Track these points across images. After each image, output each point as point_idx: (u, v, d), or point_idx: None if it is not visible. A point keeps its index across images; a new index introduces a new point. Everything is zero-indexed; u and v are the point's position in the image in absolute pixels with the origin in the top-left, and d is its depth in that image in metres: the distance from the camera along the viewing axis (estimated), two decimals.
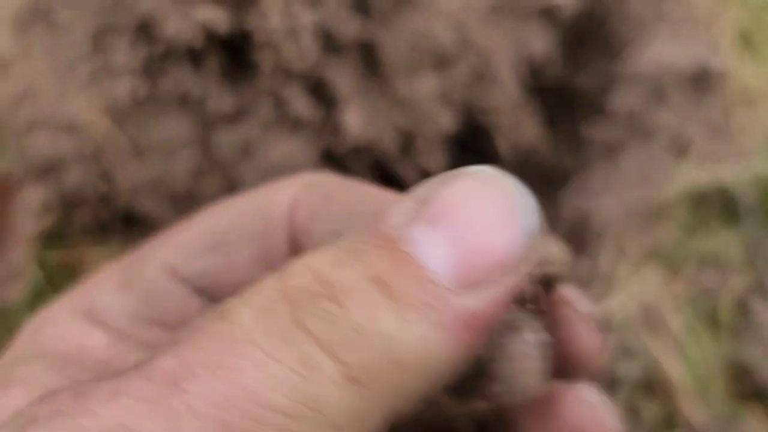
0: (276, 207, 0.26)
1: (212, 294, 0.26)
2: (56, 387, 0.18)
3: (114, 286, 0.26)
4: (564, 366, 0.24)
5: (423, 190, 0.20)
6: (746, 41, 0.96)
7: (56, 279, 0.85)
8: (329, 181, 0.27)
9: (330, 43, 0.80)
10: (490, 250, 0.17)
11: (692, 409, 0.82)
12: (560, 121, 1.04)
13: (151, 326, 0.25)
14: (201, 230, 0.27)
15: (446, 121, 0.91)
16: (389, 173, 0.91)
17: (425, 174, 0.93)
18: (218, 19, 0.74)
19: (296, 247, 0.26)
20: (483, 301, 0.17)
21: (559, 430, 0.23)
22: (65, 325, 0.25)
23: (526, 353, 0.20)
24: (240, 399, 0.15)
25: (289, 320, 0.16)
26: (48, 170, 0.77)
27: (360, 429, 0.16)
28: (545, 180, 1.08)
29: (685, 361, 0.85)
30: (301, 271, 0.18)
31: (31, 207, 0.83)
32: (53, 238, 0.84)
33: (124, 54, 0.77)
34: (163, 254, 0.26)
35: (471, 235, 0.18)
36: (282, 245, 0.26)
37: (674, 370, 0.84)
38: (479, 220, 0.18)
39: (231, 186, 0.85)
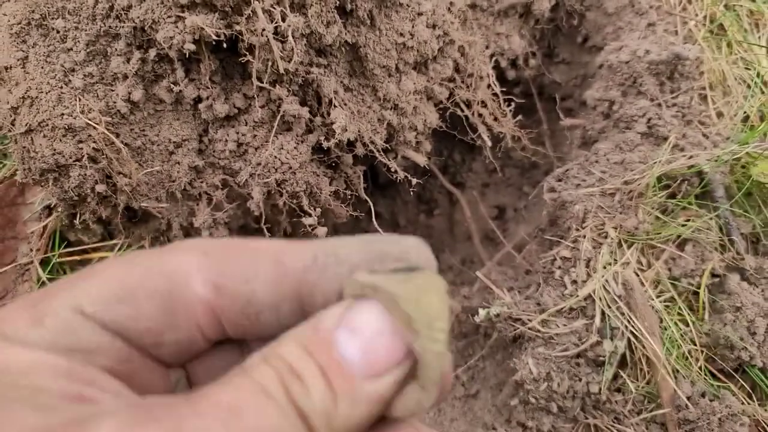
0: (178, 269, 0.33)
1: (121, 334, 0.32)
2: None
3: (26, 322, 0.31)
4: None
5: (342, 306, 0.31)
6: (720, 29, 0.99)
7: (61, 277, 0.88)
8: (218, 246, 0.34)
9: (315, 45, 0.83)
10: (384, 354, 0.30)
11: (675, 386, 0.86)
12: (536, 114, 1.08)
13: (67, 354, 0.31)
14: (109, 282, 0.32)
15: (430, 115, 0.94)
16: (377, 166, 0.94)
17: (411, 166, 0.96)
18: (209, 24, 0.77)
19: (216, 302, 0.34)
20: (381, 385, 0.30)
21: None
22: None
23: None
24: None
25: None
26: (48, 173, 0.80)
27: None
28: (528, 169, 1.12)
29: (667, 340, 0.88)
30: (278, 362, 0.30)
31: (35, 209, 0.86)
32: (58, 237, 0.87)
33: (120, 59, 0.80)
34: (72, 298, 0.32)
35: (373, 344, 0.30)
36: (191, 302, 0.33)
37: (656, 349, 0.87)
38: (379, 337, 0.30)
39: (227, 182, 0.88)
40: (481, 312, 0.93)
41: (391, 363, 0.30)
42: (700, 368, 0.88)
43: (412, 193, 0.97)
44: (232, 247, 0.34)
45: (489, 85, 0.97)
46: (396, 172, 0.93)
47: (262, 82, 0.82)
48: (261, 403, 0.28)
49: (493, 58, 0.99)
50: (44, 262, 0.86)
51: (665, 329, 0.89)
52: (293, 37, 0.78)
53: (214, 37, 0.77)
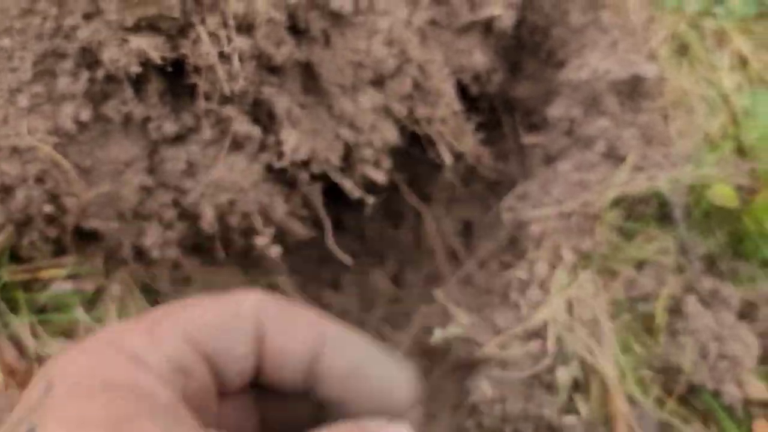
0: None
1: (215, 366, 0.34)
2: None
3: (145, 344, 0.32)
4: None
5: (384, 419, 0.33)
6: (683, 48, 0.97)
7: (12, 295, 0.88)
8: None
9: (266, 65, 0.83)
10: None
11: (627, 410, 0.85)
12: (502, 130, 1.07)
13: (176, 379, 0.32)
14: (207, 316, 0.34)
15: (389, 133, 0.93)
16: (334, 184, 0.93)
17: (370, 184, 0.96)
18: (154, 47, 0.76)
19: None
20: None
21: None
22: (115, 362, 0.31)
23: None
24: None
25: None
26: None
27: None
28: (495, 183, 1.11)
29: (621, 364, 0.88)
30: None
31: None
32: (8, 255, 0.87)
33: (67, 79, 0.80)
34: (183, 324, 0.33)
35: None
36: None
37: (610, 373, 0.86)
38: None
39: (178, 202, 0.88)
40: (437, 332, 0.92)
41: None
42: (653, 393, 0.87)
43: (375, 207, 0.96)
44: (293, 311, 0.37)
45: (449, 102, 0.96)
46: (351, 191, 0.92)
47: (211, 103, 0.82)
48: None
49: (455, 75, 0.98)
50: None
51: (621, 353, 0.88)
52: (240, 59, 0.78)
53: (159, 61, 0.76)
